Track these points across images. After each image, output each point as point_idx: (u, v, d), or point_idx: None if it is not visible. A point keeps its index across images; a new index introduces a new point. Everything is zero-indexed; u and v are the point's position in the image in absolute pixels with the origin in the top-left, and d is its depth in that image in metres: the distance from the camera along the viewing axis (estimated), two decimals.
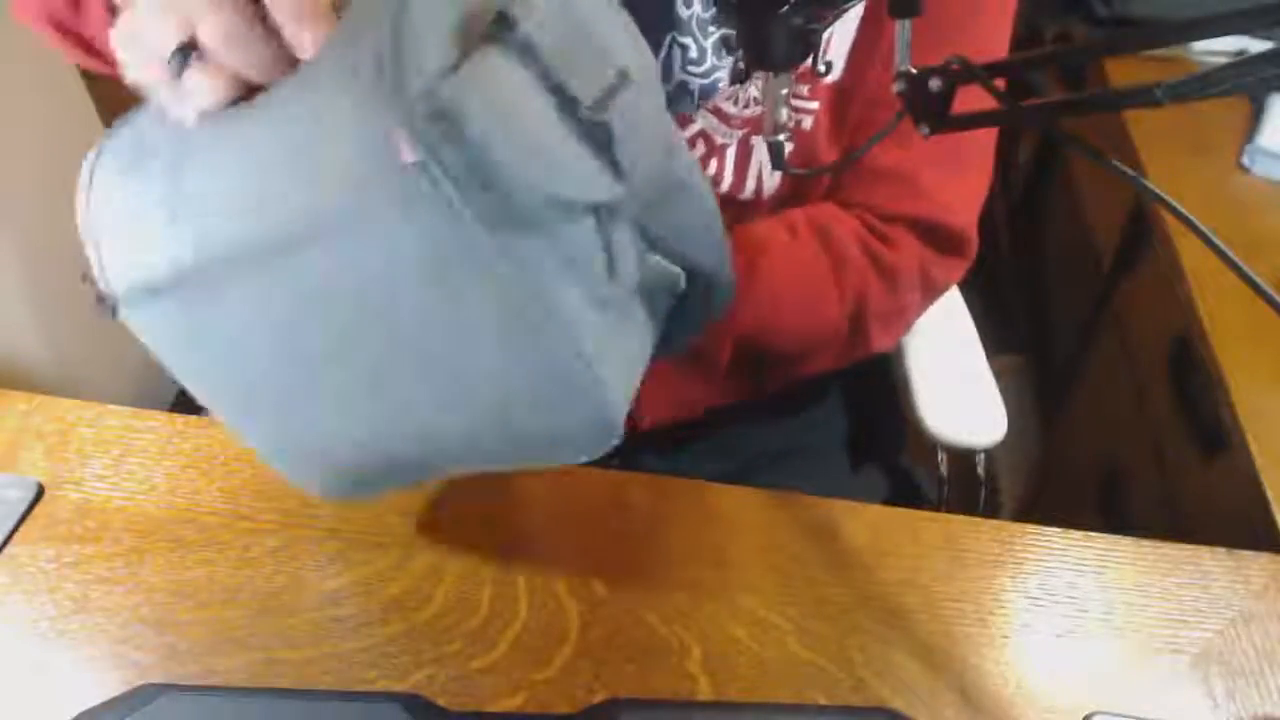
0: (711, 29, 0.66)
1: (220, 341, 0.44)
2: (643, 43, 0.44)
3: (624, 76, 0.40)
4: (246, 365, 0.45)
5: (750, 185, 0.72)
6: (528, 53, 0.37)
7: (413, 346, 0.41)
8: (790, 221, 0.73)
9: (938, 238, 0.74)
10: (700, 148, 0.71)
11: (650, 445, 0.84)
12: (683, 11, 0.65)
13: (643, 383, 0.49)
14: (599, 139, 0.39)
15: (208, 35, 0.38)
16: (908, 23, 0.47)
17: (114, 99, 1.46)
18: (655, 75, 0.44)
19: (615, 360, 0.44)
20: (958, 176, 0.74)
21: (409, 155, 0.35)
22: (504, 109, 0.36)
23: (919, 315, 0.80)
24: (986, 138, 0.75)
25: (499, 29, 0.37)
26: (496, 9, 0.37)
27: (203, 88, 0.38)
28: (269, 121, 0.39)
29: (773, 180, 0.73)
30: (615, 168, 0.40)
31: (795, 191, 0.74)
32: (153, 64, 0.39)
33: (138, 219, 0.42)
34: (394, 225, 0.37)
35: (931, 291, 0.78)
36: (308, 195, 0.38)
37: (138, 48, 0.40)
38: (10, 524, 0.63)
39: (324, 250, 0.39)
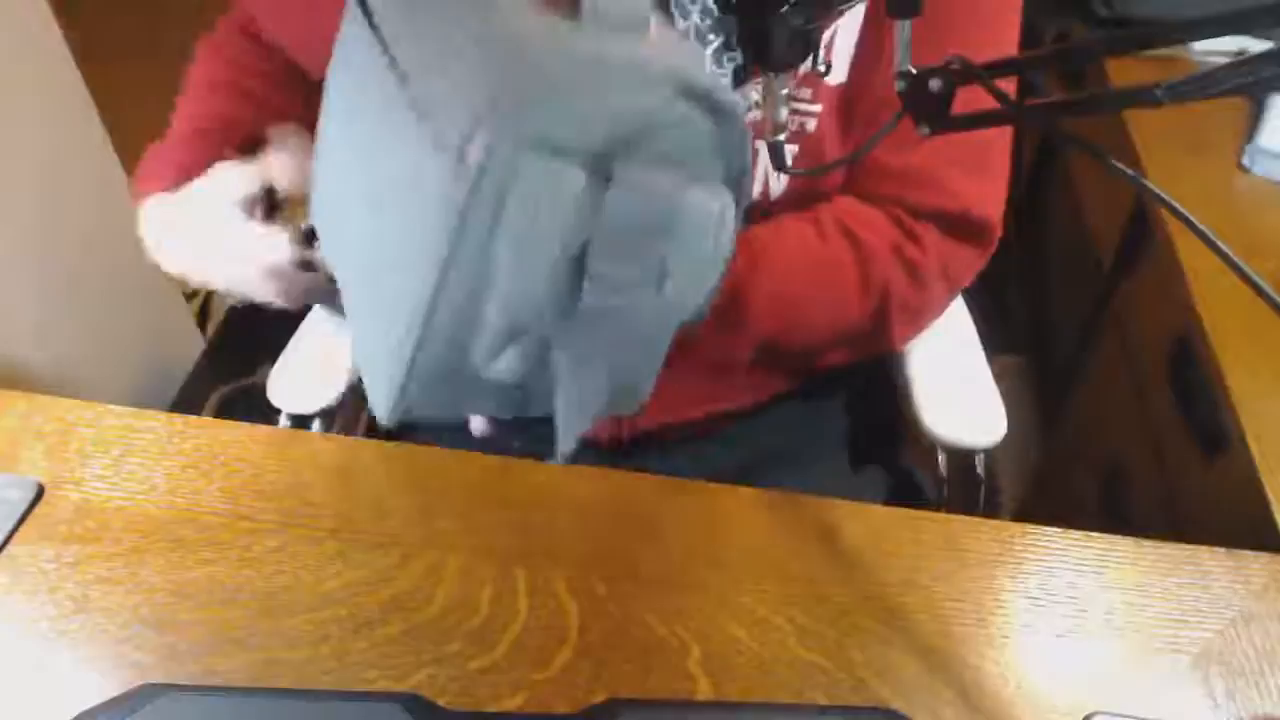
0: (711, 37, 0.66)
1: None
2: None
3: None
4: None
5: (757, 188, 0.73)
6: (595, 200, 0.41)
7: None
8: (815, 216, 0.74)
9: (964, 228, 0.74)
10: None
11: (651, 445, 0.84)
12: (680, 24, 0.65)
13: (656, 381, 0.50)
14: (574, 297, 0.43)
15: None
16: (907, 23, 0.47)
17: (114, 99, 1.46)
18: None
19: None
20: (983, 175, 0.74)
21: (474, 158, 0.39)
22: (538, 216, 0.40)
23: (943, 310, 0.81)
24: (1006, 135, 0.75)
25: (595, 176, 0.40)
26: (607, 164, 0.40)
27: None
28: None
29: (780, 183, 0.73)
30: None
31: (803, 194, 0.74)
32: None
33: None
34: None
35: (954, 286, 0.78)
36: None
37: None
38: (10, 524, 0.63)
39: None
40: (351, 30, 0.48)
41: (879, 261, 0.72)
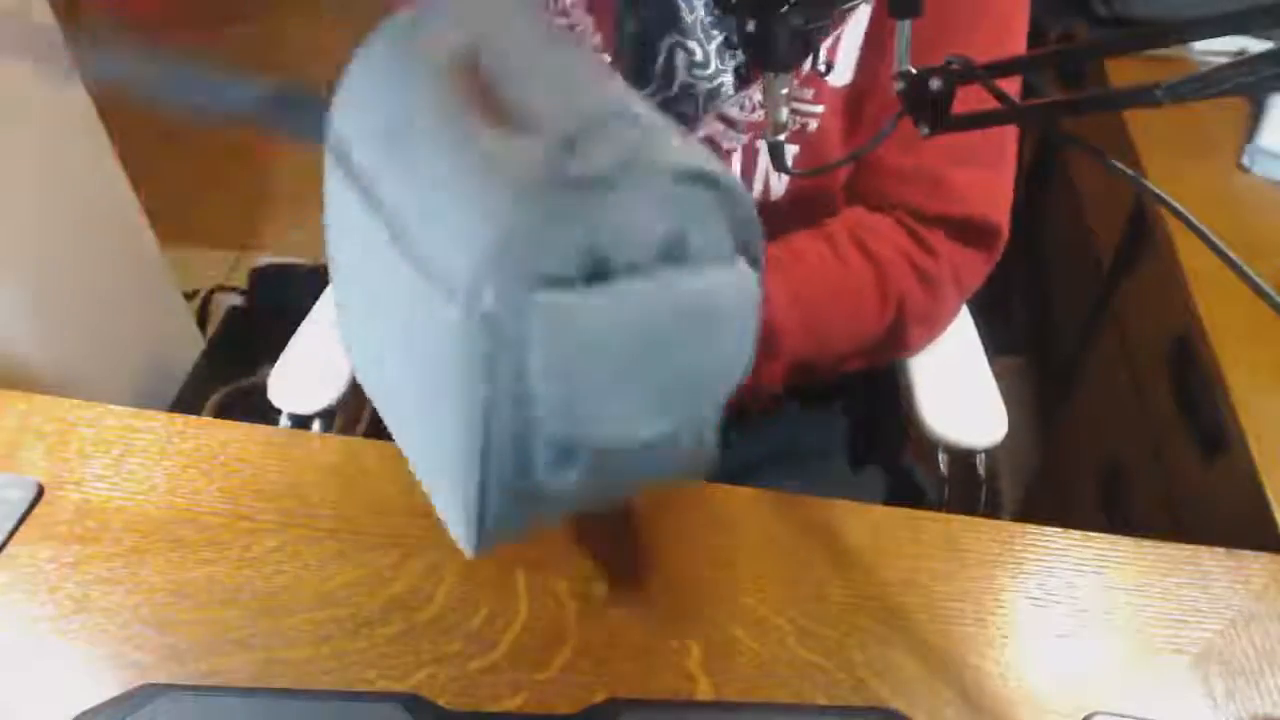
0: (715, 32, 0.66)
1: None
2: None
3: None
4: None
5: (757, 188, 0.73)
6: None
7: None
8: (829, 233, 0.74)
9: (973, 233, 0.74)
10: None
11: None
12: (687, 16, 0.65)
13: None
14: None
15: None
16: (908, 23, 0.47)
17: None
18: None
19: None
20: (990, 177, 0.74)
21: (487, 306, 0.39)
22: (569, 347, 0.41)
23: (954, 315, 0.82)
24: (1010, 134, 0.75)
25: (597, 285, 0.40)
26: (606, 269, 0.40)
27: None
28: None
29: (780, 184, 0.73)
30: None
31: (804, 194, 0.74)
32: None
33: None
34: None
35: (964, 291, 0.79)
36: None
37: None
38: (10, 524, 0.63)
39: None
40: (333, 180, 0.48)
41: (895, 274, 0.73)
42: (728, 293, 0.44)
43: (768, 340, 0.71)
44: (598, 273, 0.40)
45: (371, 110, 0.46)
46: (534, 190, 0.39)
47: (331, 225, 0.50)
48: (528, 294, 0.38)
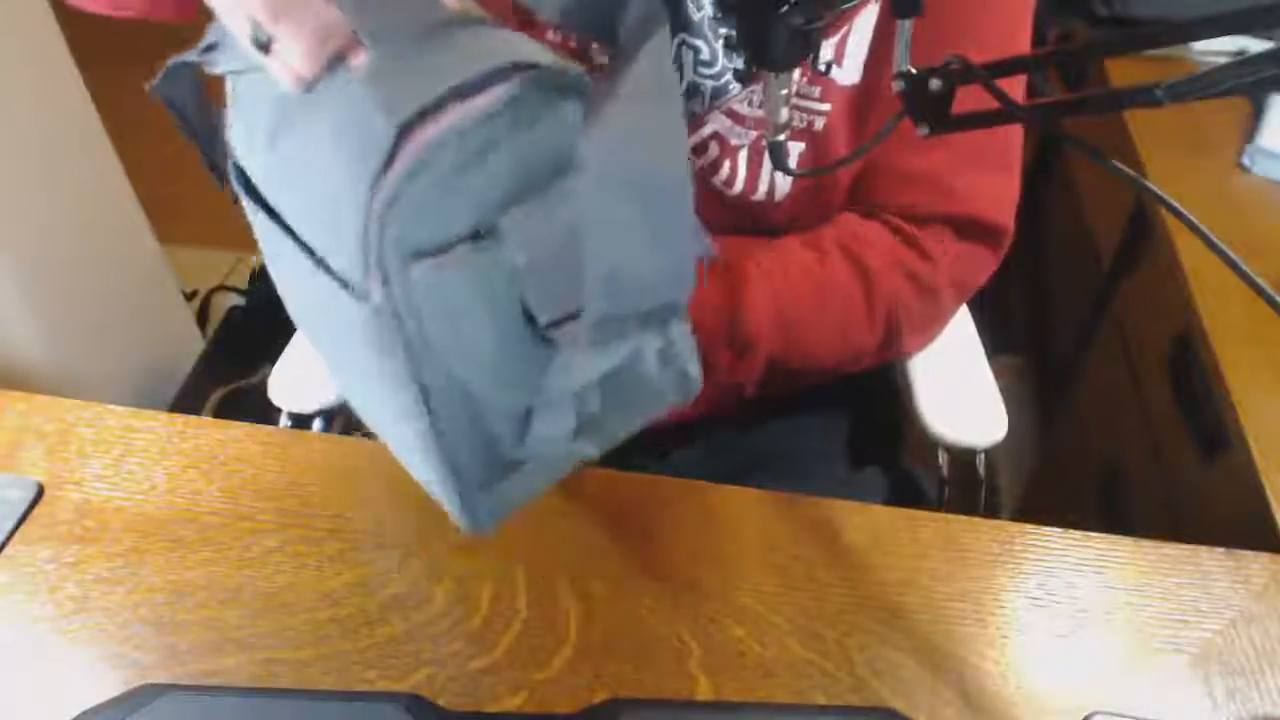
0: (722, 31, 0.66)
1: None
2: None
3: (580, 310, 0.42)
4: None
5: (763, 186, 0.73)
6: (500, 265, 0.39)
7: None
8: (818, 243, 0.74)
9: (979, 232, 0.74)
10: (714, 150, 0.71)
11: (649, 446, 0.84)
12: (693, 13, 0.65)
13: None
14: (544, 355, 0.42)
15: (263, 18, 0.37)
16: (908, 22, 0.47)
17: (114, 99, 1.46)
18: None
19: None
20: (997, 178, 0.74)
21: (376, 297, 0.38)
22: (456, 317, 0.39)
23: (953, 315, 0.82)
24: (1016, 138, 0.75)
25: (483, 241, 0.38)
26: (487, 221, 0.38)
27: (282, 63, 0.38)
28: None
29: (786, 181, 0.72)
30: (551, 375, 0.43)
31: (811, 192, 0.74)
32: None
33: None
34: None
35: (964, 291, 0.79)
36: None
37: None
38: (10, 524, 0.63)
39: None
40: (242, 196, 0.47)
41: (885, 284, 0.73)
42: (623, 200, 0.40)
43: (746, 349, 0.71)
44: (479, 226, 0.38)
45: (254, 116, 0.43)
46: (385, 172, 0.36)
47: (259, 239, 0.48)
48: (404, 276, 0.37)
